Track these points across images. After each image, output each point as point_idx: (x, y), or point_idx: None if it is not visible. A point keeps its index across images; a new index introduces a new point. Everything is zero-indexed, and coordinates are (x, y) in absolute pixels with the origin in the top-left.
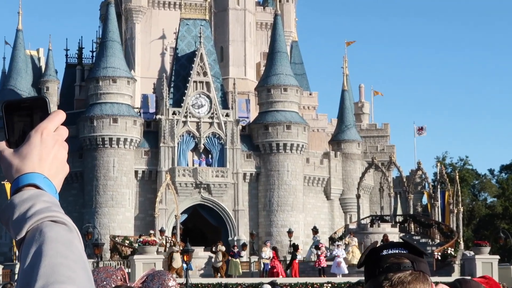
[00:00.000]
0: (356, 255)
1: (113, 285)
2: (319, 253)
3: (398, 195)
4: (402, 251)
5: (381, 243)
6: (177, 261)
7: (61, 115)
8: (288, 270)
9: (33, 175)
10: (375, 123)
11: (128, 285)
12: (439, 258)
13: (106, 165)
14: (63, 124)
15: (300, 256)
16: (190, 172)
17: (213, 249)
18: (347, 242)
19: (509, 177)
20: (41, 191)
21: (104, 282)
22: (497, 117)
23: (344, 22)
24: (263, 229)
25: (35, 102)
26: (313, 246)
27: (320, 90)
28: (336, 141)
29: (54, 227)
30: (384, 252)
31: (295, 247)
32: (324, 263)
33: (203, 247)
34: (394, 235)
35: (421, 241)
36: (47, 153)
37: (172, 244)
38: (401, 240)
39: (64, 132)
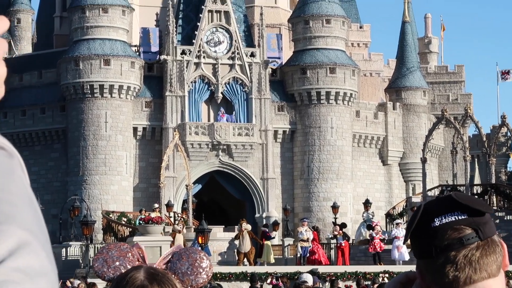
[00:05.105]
0: None
1: (129, 266)
2: (374, 234)
3: (476, 159)
4: (460, 217)
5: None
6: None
7: (3, 22)
8: (332, 255)
9: None
10: (446, 65)
11: (149, 266)
12: None
13: (96, 120)
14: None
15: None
16: (205, 130)
17: (239, 229)
18: None
19: None
20: None
21: (117, 263)
22: None
23: None
24: (299, 203)
25: None
26: (364, 226)
27: (374, 22)
28: (395, 88)
29: None
30: (437, 223)
31: (342, 226)
32: (379, 247)
33: (223, 226)
34: None
35: (506, 218)
36: None
37: (178, 222)
38: (452, 196)
39: (4, 44)
